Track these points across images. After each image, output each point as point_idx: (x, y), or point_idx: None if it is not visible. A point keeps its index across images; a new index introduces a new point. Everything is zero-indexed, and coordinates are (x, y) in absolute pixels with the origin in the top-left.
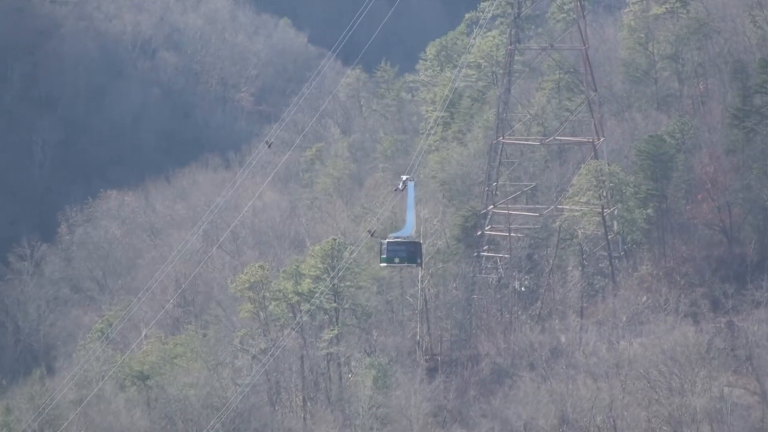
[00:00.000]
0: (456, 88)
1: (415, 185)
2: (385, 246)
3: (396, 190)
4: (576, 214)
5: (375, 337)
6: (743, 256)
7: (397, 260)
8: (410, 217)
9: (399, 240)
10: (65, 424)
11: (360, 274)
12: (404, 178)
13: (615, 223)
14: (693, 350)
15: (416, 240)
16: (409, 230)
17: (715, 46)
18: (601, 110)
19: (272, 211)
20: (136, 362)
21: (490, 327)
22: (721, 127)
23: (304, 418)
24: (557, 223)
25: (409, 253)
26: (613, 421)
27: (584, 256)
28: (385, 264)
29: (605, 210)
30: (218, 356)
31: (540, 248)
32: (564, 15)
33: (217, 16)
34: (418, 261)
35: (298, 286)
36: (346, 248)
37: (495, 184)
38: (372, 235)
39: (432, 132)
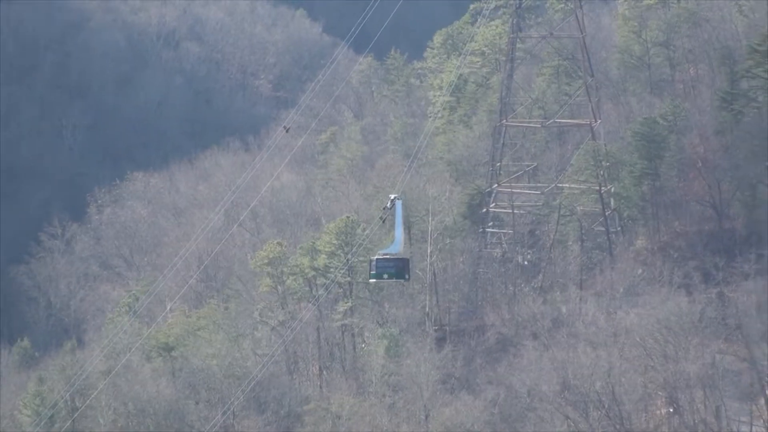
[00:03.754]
0: (461, 75)
1: (402, 204)
2: (374, 263)
3: (384, 209)
4: (575, 192)
5: (387, 309)
6: (732, 231)
7: (386, 276)
8: (398, 235)
9: (388, 257)
10: (95, 393)
11: (372, 249)
12: (392, 197)
13: (612, 200)
14: (686, 319)
15: (404, 257)
16: (397, 247)
17: (704, 34)
18: (597, 94)
19: (289, 191)
20: (162, 334)
21: (495, 299)
22: (710, 109)
23: (321, 386)
24: (557, 201)
25: (397, 269)
26: (612, 386)
27: (583, 232)
28: (374, 280)
29: (603, 188)
30: (239, 328)
31: (541, 224)
32: (562, 5)
33: (237, 8)
34: (406, 276)
35: (314, 262)
36: (359, 226)
37: (499, 164)
38: (383, 222)
39: (439, 115)
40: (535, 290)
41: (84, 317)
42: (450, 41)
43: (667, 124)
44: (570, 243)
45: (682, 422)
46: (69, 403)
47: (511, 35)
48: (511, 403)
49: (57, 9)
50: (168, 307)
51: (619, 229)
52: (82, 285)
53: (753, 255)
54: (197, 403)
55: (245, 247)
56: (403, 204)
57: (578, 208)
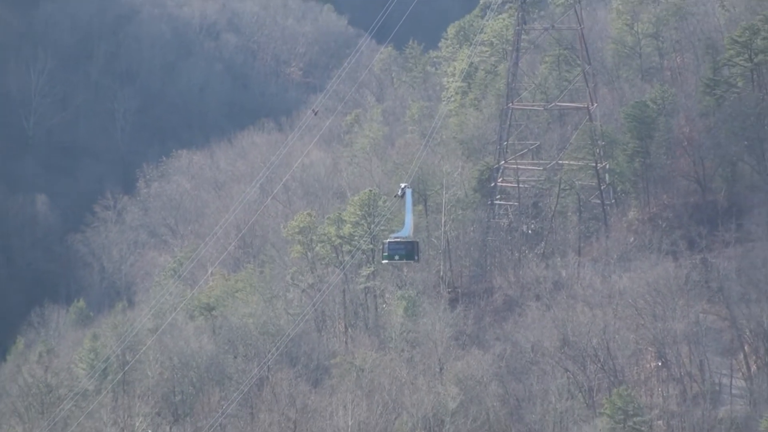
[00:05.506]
0: (472, 63)
1: (412, 192)
2: (386, 245)
3: (395, 196)
4: (574, 168)
5: (405, 273)
6: (715, 203)
7: (396, 257)
8: (408, 220)
9: (398, 240)
10: (143, 348)
11: (392, 219)
12: (402, 185)
13: (607, 175)
14: (673, 283)
15: (414, 240)
16: (407, 231)
17: (690, 26)
18: (594, 80)
19: (318, 167)
20: (203, 296)
21: (502, 264)
22: (695, 94)
23: (346, 342)
24: (558, 176)
25: (407, 251)
26: (607, 343)
27: (581, 204)
28: (386, 261)
29: (598, 164)
30: (273, 290)
31: (544, 197)
32: (563, 0)
33: (271, 3)
34: (416, 258)
35: (340, 231)
36: (381, 198)
37: (505, 143)
38: (402, 197)
39: (452, 99)
40: (538, 256)
41: (133, 280)
42: (462, 33)
43: (656, 108)
44: (569, 214)
45: (669, 374)
46: (120, 357)
47: (517, 27)
48: (517, 358)
49: (109, 2)
50: (209, 271)
51: (613, 201)
52: (132, 251)
53: (733, 225)
54: (235, 357)
55: (278, 217)
56: (419, 180)
57: (577, 182)
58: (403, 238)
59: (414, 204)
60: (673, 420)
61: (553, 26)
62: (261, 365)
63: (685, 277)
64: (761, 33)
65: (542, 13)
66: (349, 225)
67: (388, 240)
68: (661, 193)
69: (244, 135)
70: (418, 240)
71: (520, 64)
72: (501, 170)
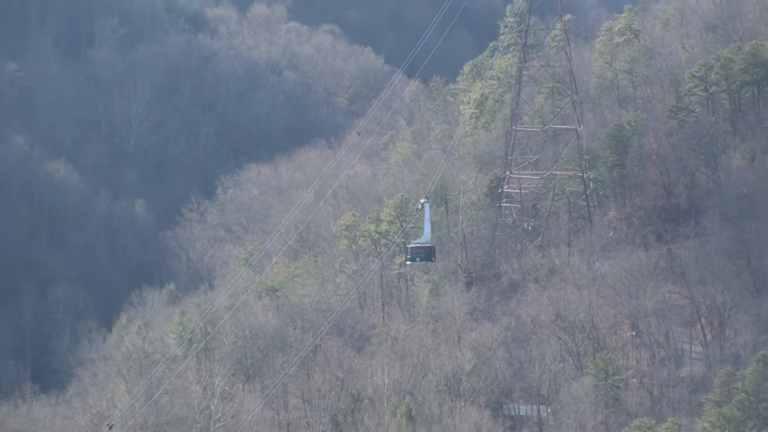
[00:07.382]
0: (483, 93)
1: (429, 206)
2: (409, 249)
3: (417, 209)
4: (565, 177)
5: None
6: (677, 205)
7: (418, 259)
8: (427, 229)
9: (419, 245)
10: (221, 322)
11: (420, 219)
12: (422, 201)
13: (591, 183)
14: (644, 268)
15: (431, 245)
16: (426, 238)
17: (657, 64)
18: (581, 107)
19: (360, 177)
20: (269, 280)
21: (508, 254)
22: (662, 118)
23: (383, 317)
24: (552, 184)
25: (426, 254)
26: (591, 316)
27: (570, 206)
28: (409, 262)
29: (584, 174)
30: (324, 275)
31: (541, 200)
32: (556, 43)
33: (323, 46)
34: (433, 259)
35: (378, 227)
36: (411, 202)
37: (510, 157)
38: (422, 209)
39: (467, 123)
40: (536, 248)
41: (213, 268)
42: (475, 69)
43: (630, 129)
44: (561, 214)
45: (641, 342)
46: (202, 329)
47: (519, 65)
48: (519, 329)
49: (194, 47)
50: (273, 260)
51: (596, 203)
52: (212, 245)
53: (692, 222)
54: (294, 329)
55: (329, 217)
56: (441, 187)
57: (567, 189)
58: (423, 243)
59: (436, 206)
60: (645, 378)
61: (548, 64)
62: (315, 335)
63: (654, 264)
64: (714, 69)
65: (539, 53)
66: (385, 223)
67: (411, 245)
68: (634, 197)
69: (301, 152)
70: (434, 245)
71: (521, 94)
72: (506, 179)
